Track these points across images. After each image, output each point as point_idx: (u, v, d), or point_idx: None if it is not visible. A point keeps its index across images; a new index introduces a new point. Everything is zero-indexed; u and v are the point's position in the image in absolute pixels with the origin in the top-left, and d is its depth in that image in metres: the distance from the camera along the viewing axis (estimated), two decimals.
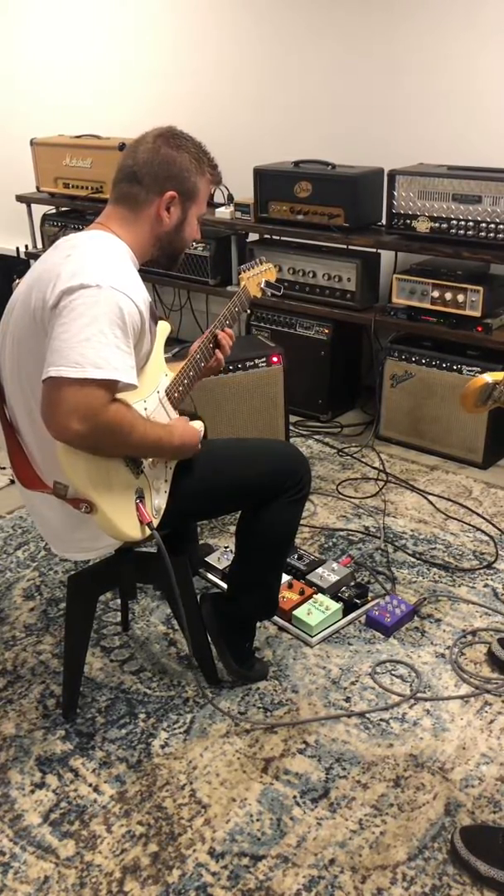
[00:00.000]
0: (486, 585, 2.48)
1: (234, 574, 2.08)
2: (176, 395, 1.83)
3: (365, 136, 3.58)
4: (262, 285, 2.17)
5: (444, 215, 3.09)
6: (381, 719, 1.98)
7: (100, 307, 1.49)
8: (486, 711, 2.00)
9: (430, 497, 2.99)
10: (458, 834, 1.63)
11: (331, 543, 2.71)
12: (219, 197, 3.83)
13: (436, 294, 3.16)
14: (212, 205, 3.74)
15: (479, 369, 3.07)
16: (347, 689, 2.08)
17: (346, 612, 2.32)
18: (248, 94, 3.92)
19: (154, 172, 1.70)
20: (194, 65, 4.07)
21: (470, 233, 3.05)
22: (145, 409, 1.70)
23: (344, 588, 2.39)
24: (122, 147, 3.93)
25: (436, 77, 3.34)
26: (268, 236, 3.74)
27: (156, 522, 1.72)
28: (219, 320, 1.98)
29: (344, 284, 3.44)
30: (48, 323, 1.53)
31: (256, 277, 2.16)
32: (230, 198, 3.75)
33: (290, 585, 2.37)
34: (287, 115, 3.82)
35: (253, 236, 3.82)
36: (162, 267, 1.86)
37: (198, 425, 1.84)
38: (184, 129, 1.79)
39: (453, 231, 3.08)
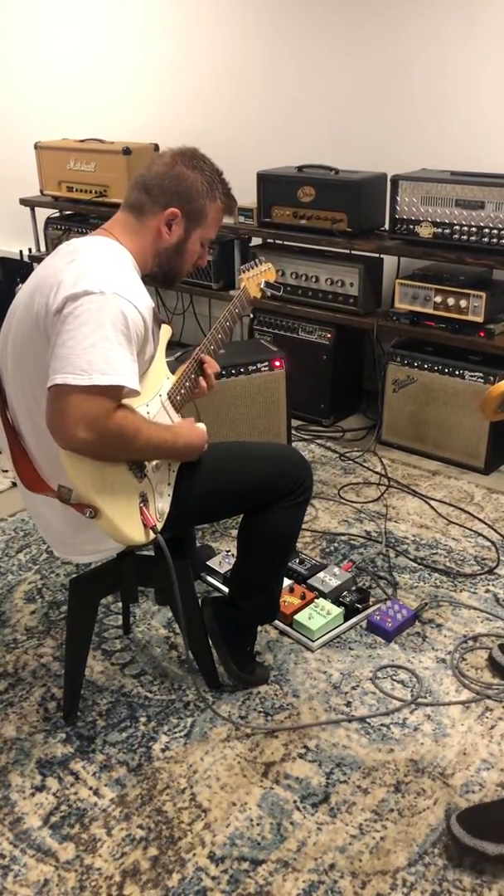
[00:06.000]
0: (487, 591, 2.48)
1: (235, 578, 2.08)
2: (178, 398, 1.83)
3: (368, 141, 3.59)
4: (262, 285, 2.15)
5: (446, 220, 3.09)
6: (381, 724, 1.98)
7: (104, 314, 1.49)
8: (487, 717, 2.00)
9: (431, 502, 2.98)
10: (454, 823, 1.62)
11: (332, 548, 2.71)
12: None
13: (438, 299, 3.16)
14: None
15: (481, 374, 3.08)
16: (348, 693, 2.08)
17: (347, 617, 2.32)
18: (251, 98, 3.93)
19: (163, 186, 1.71)
20: (198, 69, 4.08)
21: (473, 238, 3.05)
22: (148, 412, 1.70)
23: (345, 593, 2.40)
24: (126, 151, 3.94)
25: (439, 82, 3.35)
26: (271, 241, 3.74)
27: (159, 526, 1.72)
28: (219, 322, 1.98)
29: (346, 289, 3.44)
30: (51, 328, 1.54)
31: (256, 278, 2.14)
32: None
33: (291, 590, 2.37)
34: (290, 120, 3.83)
35: (256, 240, 3.83)
36: (159, 284, 1.85)
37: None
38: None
39: (456, 236, 3.08)
